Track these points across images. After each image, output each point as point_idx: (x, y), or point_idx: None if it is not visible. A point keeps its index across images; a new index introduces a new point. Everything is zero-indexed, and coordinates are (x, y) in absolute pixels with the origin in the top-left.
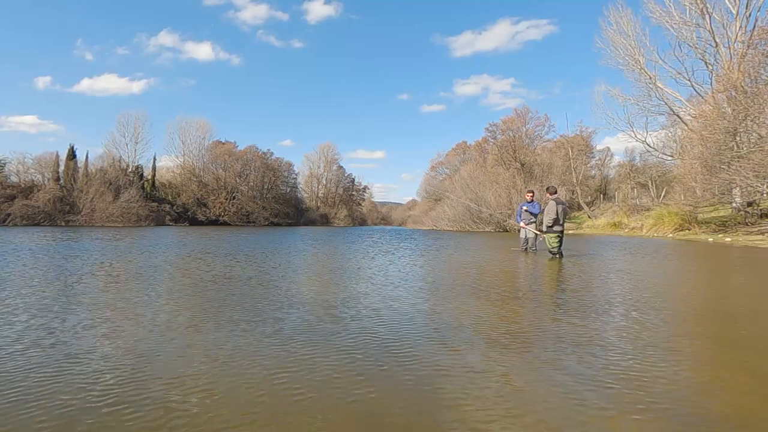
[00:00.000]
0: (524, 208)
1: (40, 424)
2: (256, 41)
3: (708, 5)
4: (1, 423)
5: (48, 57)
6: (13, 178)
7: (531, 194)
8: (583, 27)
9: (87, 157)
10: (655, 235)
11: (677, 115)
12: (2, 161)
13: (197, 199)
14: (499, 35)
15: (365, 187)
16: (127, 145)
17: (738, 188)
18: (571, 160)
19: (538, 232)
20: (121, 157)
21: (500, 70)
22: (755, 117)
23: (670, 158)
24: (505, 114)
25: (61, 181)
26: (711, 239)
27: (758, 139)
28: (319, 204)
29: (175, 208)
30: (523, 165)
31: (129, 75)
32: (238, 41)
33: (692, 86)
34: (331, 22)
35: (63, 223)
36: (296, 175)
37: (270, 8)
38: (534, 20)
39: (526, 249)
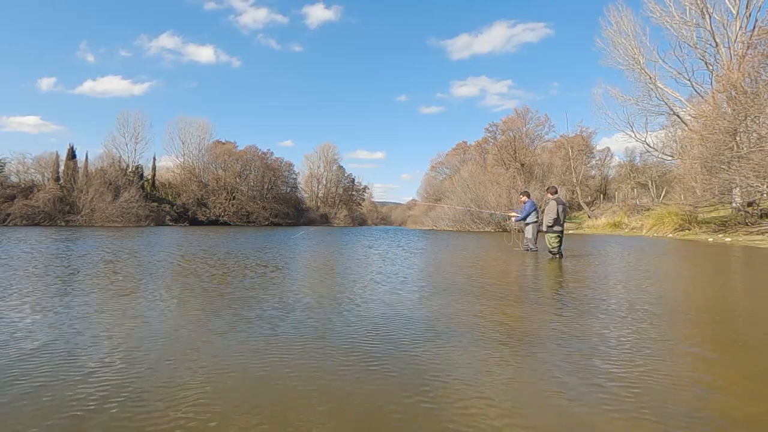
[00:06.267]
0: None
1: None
2: (257, 44)
3: (708, 5)
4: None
5: (51, 59)
6: (13, 178)
7: (525, 197)
8: (578, 29)
9: (87, 157)
10: (656, 235)
11: (677, 115)
12: (2, 161)
13: (197, 199)
14: (495, 38)
15: (365, 187)
16: (127, 145)
17: (738, 188)
18: (571, 160)
19: (519, 220)
20: (121, 157)
21: (497, 72)
22: (755, 117)
23: (670, 158)
24: (503, 115)
25: (61, 181)
26: (711, 239)
27: (758, 139)
28: (319, 204)
29: (175, 208)
30: (523, 165)
31: (131, 77)
32: (238, 44)
33: (692, 86)
34: (331, 26)
35: (63, 223)
36: (296, 175)
37: (270, 12)
38: (530, 23)
39: (528, 249)
